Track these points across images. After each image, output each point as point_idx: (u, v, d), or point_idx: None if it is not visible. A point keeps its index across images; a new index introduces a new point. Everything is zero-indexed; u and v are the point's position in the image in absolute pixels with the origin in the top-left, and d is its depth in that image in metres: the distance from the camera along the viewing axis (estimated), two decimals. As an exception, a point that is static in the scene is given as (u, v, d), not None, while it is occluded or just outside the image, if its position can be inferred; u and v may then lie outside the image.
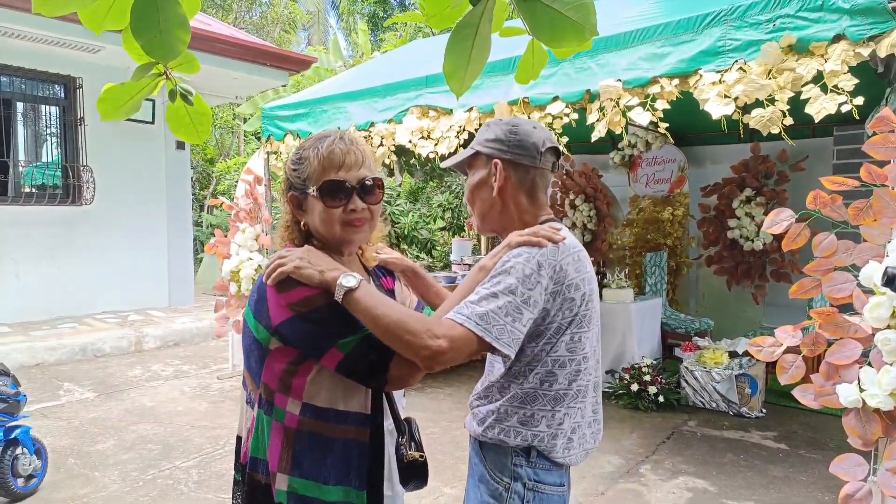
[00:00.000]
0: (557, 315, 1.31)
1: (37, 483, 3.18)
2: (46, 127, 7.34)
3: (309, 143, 1.33)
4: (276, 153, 4.99)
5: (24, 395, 3.14)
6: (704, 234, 6.09)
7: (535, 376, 1.33)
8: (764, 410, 4.45)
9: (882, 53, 2.24)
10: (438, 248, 10.11)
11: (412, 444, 1.41)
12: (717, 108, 2.62)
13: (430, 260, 9.70)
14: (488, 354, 1.44)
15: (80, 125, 7.06)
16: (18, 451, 3.07)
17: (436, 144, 3.71)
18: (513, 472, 1.36)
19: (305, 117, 4.70)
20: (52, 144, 7.42)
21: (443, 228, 10.12)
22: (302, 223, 1.34)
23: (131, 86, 1.52)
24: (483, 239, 6.83)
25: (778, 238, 5.75)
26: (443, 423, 4.11)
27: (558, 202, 6.73)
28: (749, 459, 3.63)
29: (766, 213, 5.67)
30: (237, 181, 12.10)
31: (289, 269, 1.22)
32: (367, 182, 1.29)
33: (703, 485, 3.29)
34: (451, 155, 3.71)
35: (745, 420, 4.32)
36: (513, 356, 1.24)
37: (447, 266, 8.49)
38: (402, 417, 1.42)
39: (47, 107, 7.23)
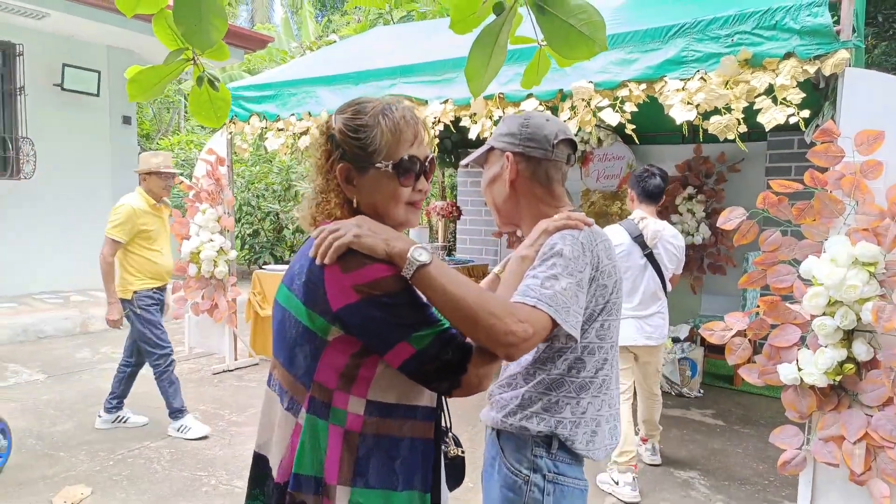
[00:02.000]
0: (591, 301, 1.28)
1: (1, 463, 3.11)
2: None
3: (368, 109, 1.15)
4: (240, 134, 4.94)
5: (-11, 375, 3.06)
6: (649, 227, 6.46)
7: (564, 362, 1.30)
8: (702, 391, 4.85)
9: (827, 72, 2.53)
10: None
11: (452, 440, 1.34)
12: (681, 114, 2.87)
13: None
14: None
15: (20, 95, 6.68)
16: (-18, 431, 3.00)
17: (411, 134, 3.81)
18: (532, 464, 1.30)
19: (273, 99, 4.68)
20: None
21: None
22: (354, 199, 1.16)
23: (160, 69, 1.58)
24: (440, 226, 6.97)
25: (716, 233, 6.19)
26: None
27: (513, 193, 6.95)
28: (691, 434, 3.98)
29: (705, 210, 6.13)
30: (183, 159, 11.72)
31: (347, 239, 1.03)
32: (430, 161, 1.19)
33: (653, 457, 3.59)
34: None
35: (685, 399, 4.70)
36: (578, 337, 1.21)
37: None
38: None
39: (-17, 74, 6.81)
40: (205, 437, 3.68)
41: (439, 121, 3.74)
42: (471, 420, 3.65)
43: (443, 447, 1.28)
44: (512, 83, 3.42)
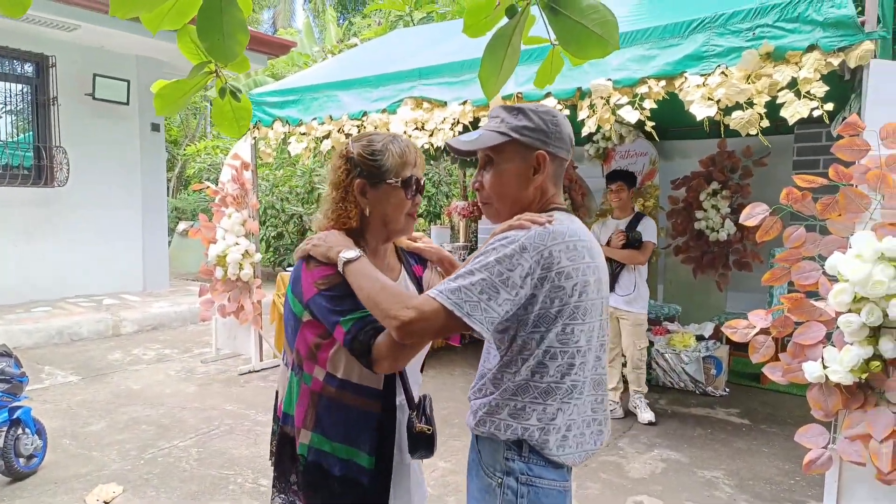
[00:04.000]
0: (546, 302, 1.25)
1: (38, 462, 3.22)
2: (17, 106, 7.13)
3: (379, 138, 1.46)
4: (264, 139, 5.02)
5: (27, 377, 3.17)
6: (673, 224, 6.39)
7: (527, 367, 1.29)
8: (727, 390, 4.78)
9: (852, 64, 2.48)
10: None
11: (423, 417, 1.51)
12: (701, 110, 2.83)
13: (405, 246, 9.83)
14: (484, 346, 1.44)
15: (53, 105, 6.89)
16: (20, 431, 3.11)
17: (430, 136, 3.84)
18: (505, 467, 1.31)
19: (295, 104, 4.75)
20: (23, 124, 7.23)
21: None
22: (366, 209, 1.44)
23: (185, 82, 1.63)
24: (462, 226, 6.99)
25: (741, 229, 6.09)
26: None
27: (535, 192, 6.93)
28: (716, 434, 3.93)
29: (731, 206, 6.04)
30: (208, 164, 11.93)
31: (307, 247, 1.40)
32: (423, 181, 1.51)
33: (677, 456, 3.56)
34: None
35: (710, 398, 4.64)
36: (486, 334, 1.22)
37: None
38: (418, 395, 1.54)
39: (18, 85, 7.02)
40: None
41: (458, 122, 3.76)
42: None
43: (412, 422, 1.49)
44: (529, 83, 3.42)
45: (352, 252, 1.34)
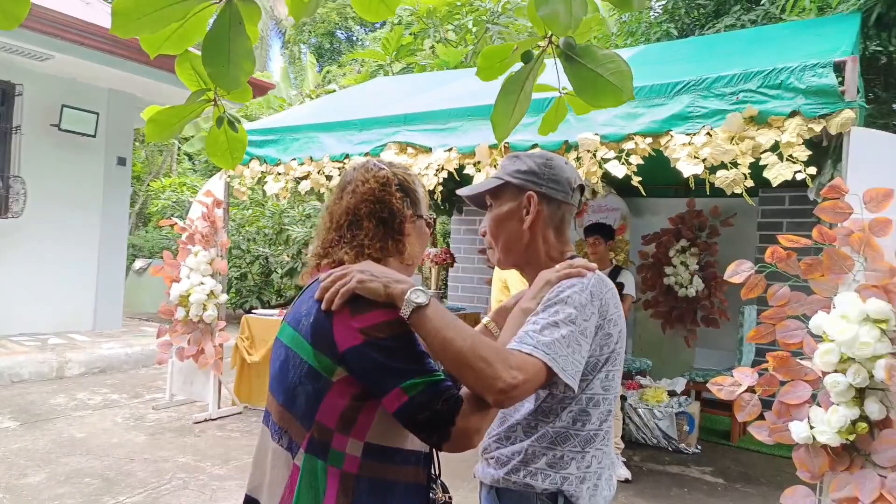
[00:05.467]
0: (596, 350, 1.25)
1: (-33, 518, 2.90)
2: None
3: (400, 169, 1.31)
4: (239, 177, 4.91)
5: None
6: (643, 279, 6.47)
7: (569, 414, 1.25)
8: (699, 447, 4.74)
9: (833, 131, 2.57)
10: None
11: (440, 485, 1.32)
12: (688, 168, 2.89)
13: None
14: None
15: (15, 133, 6.63)
16: (-50, 481, 2.80)
17: (413, 180, 3.81)
18: None
19: (274, 144, 4.68)
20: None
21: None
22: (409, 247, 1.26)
23: (180, 109, 1.56)
24: (433, 273, 6.92)
25: (709, 286, 6.18)
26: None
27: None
28: (693, 493, 3.85)
29: (699, 263, 6.15)
30: (174, 202, 11.64)
31: (352, 284, 1.08)
32: None
33: (657, 518, 3.46)
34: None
35: (683, 456, 4.58)
36: (576, 389, 1.16)
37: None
38: None
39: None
40: None
41: (443, 168, 3.75)
42: (465, 477, 3.51)
43: (430, 493, 1.24)
44: (516, 134, 3.45)
45: (421, 294, 1.06)
